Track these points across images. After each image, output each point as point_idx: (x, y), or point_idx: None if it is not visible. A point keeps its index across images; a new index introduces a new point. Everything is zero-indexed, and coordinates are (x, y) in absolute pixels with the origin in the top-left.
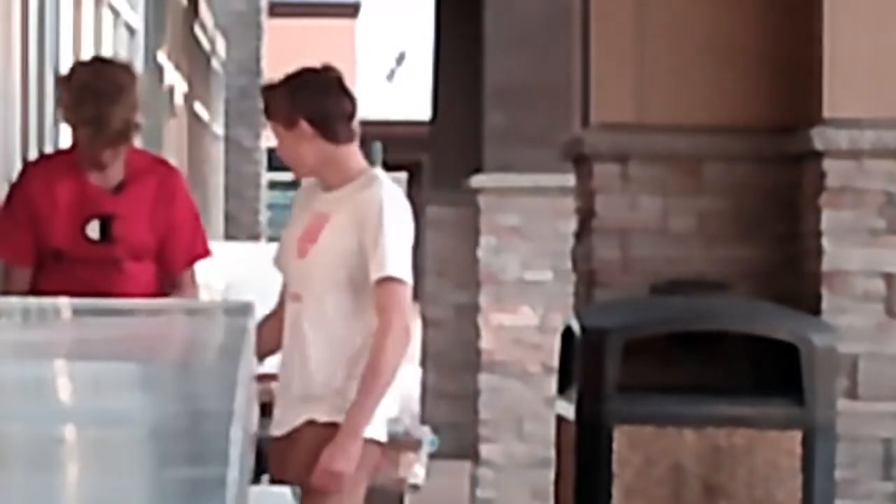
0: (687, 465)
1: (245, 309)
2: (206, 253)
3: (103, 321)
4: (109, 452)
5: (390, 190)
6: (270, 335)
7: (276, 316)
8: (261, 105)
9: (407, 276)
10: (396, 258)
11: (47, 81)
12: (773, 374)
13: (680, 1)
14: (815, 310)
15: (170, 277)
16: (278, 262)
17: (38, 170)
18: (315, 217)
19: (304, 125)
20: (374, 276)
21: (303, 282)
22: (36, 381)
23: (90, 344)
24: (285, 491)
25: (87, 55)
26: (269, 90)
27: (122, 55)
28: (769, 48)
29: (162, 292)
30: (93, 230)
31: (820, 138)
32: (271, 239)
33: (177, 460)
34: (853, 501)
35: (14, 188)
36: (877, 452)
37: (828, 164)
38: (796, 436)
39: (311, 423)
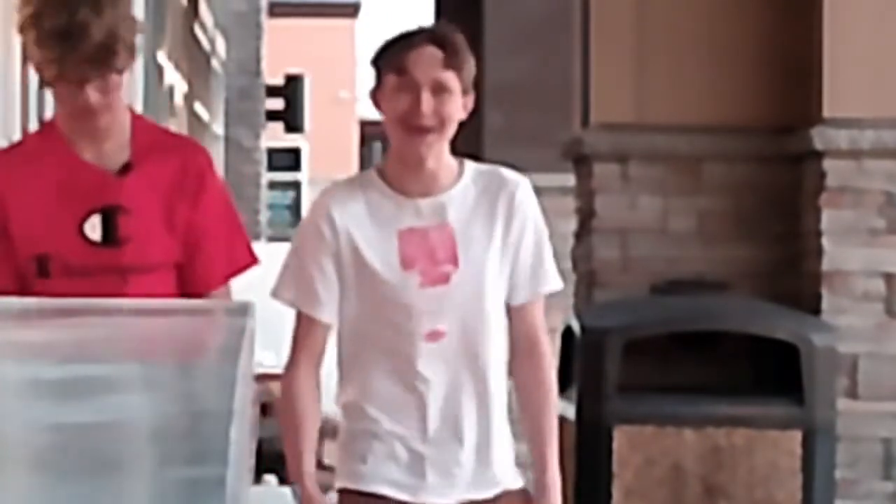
0: (687, 465)
1: (245, 309)
2: (250, 261)
3: (101, 321)
4: (108, 453)
5: (526, 183)
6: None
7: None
8: (262, 105)
9: None
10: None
11: None
12: (773, 374)
13: (680, 1)
14: (815, 310)
15: (197, 295)
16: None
17: (8, 157)
18: (421, 233)
19: (471, 99)
20: (542, 289)
21: (445, 315)
22: (34, 382)
23: (88, 344)
24: (285, 491)
25: None
26: (461, 41)
27: None
28: (769, 48)
29: None
30: (92, 229)
31: (820, 138)
32: (271, 239)
33: (176, 460)
34: (853, 501)
35: None
36: (877, 452)
37: (828, 164)
38: (796, 436)
39: (507, 492)
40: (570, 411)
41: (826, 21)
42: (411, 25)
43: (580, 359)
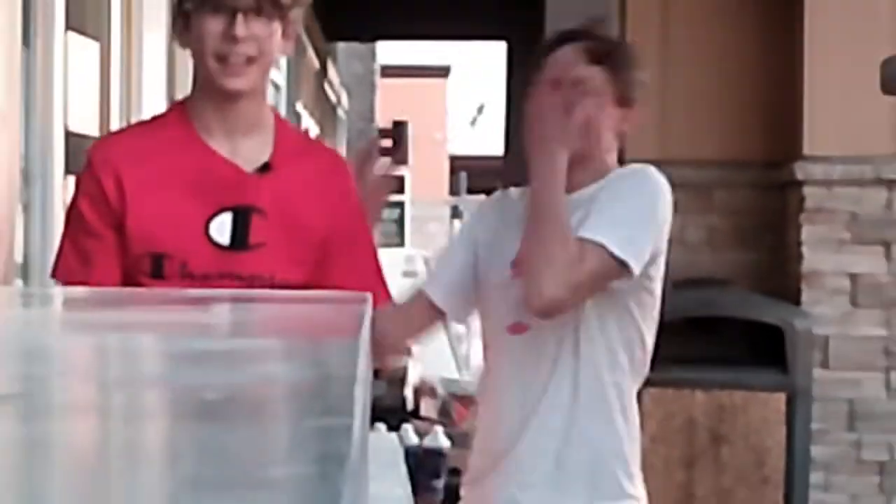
0: (697, 418)
1: (362, 298)
2: (384, 298)
3: (255, 307)
4: (262, 406)
5: (642, 168)
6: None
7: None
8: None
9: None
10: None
11: None
12: (764, 350)
13: (697, 62)
14: (796, 301)
15: None
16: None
17: (128, 140)
18: None
19: (631, 113)
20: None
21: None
22: (206, 353)
23: (245, 324)
24: (392, 436)
25: None
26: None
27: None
28: (763, 100)
29: None
30: (220, 230)
31: (801, 171)
32: (380, 245)
33: (314, 413)
34: (824, 447)
35: (81, 178)
36: (843, 410)
37: (806, 191)
38: (781, 397)
39: None
40: None
41: (806, 80)
42: (488, 84)
43: None
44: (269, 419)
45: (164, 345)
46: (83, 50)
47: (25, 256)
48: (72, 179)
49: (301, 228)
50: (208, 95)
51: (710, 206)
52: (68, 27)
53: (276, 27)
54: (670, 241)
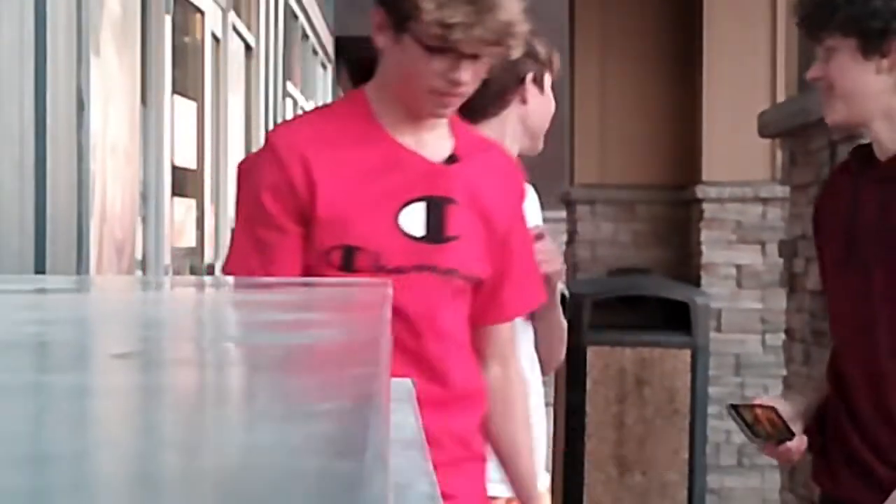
0: (627, 368)
1: (386, 283)
2: (539, 300)
3: (304, 289)
4: (314, 358)
5: None
6: None
7: None
8: None
9: None
10: None
11: None
12: (675, 319)
13: (627, 111)
14: (698, 283)
15: (481, 327)
16: None
17: (307, 128)
18: None
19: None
20: None
21: None
22: (271, 322)
23: (300, 302)
24: (407, 380)
25: None
26: None
27: None
28: (674, 140)
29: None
30: (412, 220)
31: (700, 191)
32: None
33: (351, 363)
34: (718, 387)
35: (259, 166)
36: (731, 361)
37: (705, 206)
38: (687, 352)
39: None
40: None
41: (704, 127)
42: None
43: (570, 310)
44: (318, 368)
45: (244, 316)
46: (184, 107)
47: (143, 255)
48: (177, 200)
49: (490, 222)
50: (404, 106)
51: (635, 217)
52: (174, 91)
53: (487, 61)
54: (605, 242)
